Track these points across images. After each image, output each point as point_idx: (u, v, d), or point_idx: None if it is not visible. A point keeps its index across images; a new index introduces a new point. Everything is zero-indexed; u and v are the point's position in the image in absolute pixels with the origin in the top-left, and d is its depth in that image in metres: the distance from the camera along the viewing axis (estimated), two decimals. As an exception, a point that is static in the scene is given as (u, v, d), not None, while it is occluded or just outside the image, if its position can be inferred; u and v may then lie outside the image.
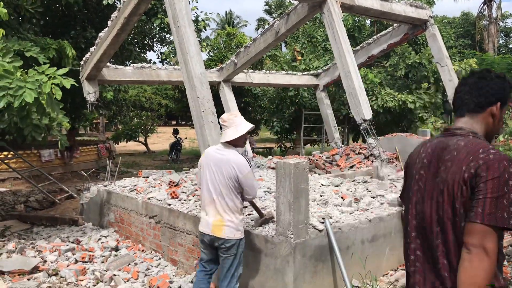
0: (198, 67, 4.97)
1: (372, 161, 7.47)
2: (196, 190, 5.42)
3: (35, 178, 10.68)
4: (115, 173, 8.15)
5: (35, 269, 5.01)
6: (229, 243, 3.57)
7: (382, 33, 9.65)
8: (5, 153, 11.59)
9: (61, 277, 4.92)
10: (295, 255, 3.78)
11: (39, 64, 6.51)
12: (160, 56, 13.91)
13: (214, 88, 9.36)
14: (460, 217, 1.69)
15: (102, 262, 5.40)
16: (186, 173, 7.06)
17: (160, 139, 29.21)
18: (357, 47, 10.16)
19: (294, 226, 3.77)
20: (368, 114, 6.56)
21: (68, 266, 5.19)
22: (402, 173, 6.78)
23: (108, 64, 8.13)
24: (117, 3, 11.77)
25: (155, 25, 12.04)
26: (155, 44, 14.49)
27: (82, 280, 4.85)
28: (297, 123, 16.61)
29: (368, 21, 17.40)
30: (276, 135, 18.22)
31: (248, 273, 4.17)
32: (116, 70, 8.34)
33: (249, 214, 4.59)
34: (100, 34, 7.24)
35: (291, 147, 18.95)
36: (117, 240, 6.13)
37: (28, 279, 4.77)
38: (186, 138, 21.67)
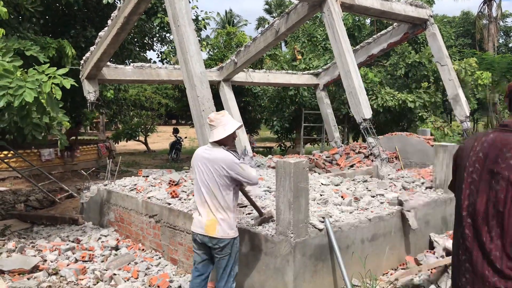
0: (198, 66, 4.97)
1: (372, 160, 7.47)
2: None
3: (35, 177, 10.68)
4: (115, 172, 8.15)
5: (35, 268, 5.01)
6: (222, 242, 3.55)
7: (382, 32, 9.65)
8: (5, 152, 11.59)
9: (61, 276, 4.92)
10: (295, 254, 3.78)
11: (39, 63, 6.51)
12: (160, 56, 13.90)
13: (214, 88, 9.36)
14: None
15: (102, 261, 5.40)
16: (186, 172, 7.06)
17: (160, 138, 29.22)
18: (357, 46, 10.15)
19: (294, 225, 3.77)
20: (368, 113, 6.56)
21: (68, 265, 5.19)
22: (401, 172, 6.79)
23: (108, 63, 8.13)
24: (117, 2, 11.77)
25: (155, 24, 12.03)
26: (155, 43, 14.48)
27: (82, 279, 4.85)
28: (297, 123, 16.62)
29: (368, 20, 17.40)
30: (276, 134, 18.23)
31: (248, 272, 4.18)
32: (116, 69, 8.34)
33: (249, 213, 4.59)
34: (100, 33, 7.23)
35: (291, 147, 18.95)
36: (117, 239, 6.14)
37: (28, 278, 4.78)
38: (186, 138, 21.68)
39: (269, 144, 23.87)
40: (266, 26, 8.92)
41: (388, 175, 6.54)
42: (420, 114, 14.16)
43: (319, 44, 16.32)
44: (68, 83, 4.98)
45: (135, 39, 13.58)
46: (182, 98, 20.93)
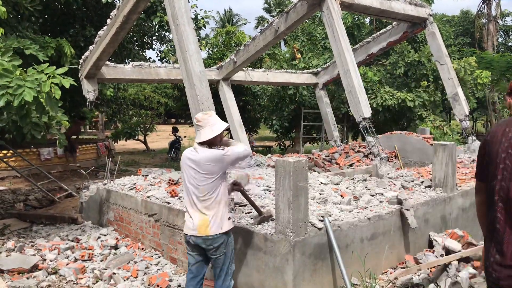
0: (197, 65, 4.96)
1: (371, 159, 7.47)
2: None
3: (35, 177, 10.67)
4: (115, 172, 8.14)
5: (35, 268, 5.01)
6: (216, 242, 3.55)
7: (382, 31, 9.65)
8: (5, 151, 11.57)
9: (60, 275, 4.92)
10: (295, 253, 3.78)
11: (38, 62, 6.50)
12: (159, 55, 13.90)
13: (214, 87, 9.36)
14: None
15: (102, 261, 5.40)
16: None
17: (160, 137, 29.20)
18: (357, 46, 10.15)
19: (294, 224, 3.77)
20: (367, 112, 6.56)
21: (67, 264, 5.19)
22: (400, 171, 6.79)
23: (107, 62, 8.12)
24: (116, 1, 11.76)
25: (154, 23, 12.04)
26: (154, 42, 14.49)
27: (82, 279, 4.85)
28: (297, 122, 16.62)
29: (367, 19, 17.40)
30: (276, 133, 18.23)
31: (247, 271, 4.18)
32: (115, 68, 8.33)
33: (248, 213, 4.59)
34: (99, 33, 7.23)
35: (291, 146, 18.97)
36: (117, 238, 6.14)
37: (27, 278, 4.78)
38: (185, 137, 21.65)
39: (269, 143, 23.87)
40: (266, 25, 8.92)
41: (388, 174, 6.55)
42: (419, 113, 14.17)
43: (318, 43, 16.31)
44: (67, 82, 4.98)
45: (135, 38, 13.58)
46: (181, 97, 20.90)
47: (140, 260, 5.30)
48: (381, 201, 5.07)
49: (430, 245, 5.17)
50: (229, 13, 49.63)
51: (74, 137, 14.10)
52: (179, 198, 5.38)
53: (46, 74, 4.95)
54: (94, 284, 4.76)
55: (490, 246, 2.08)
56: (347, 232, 4.28)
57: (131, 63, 8.61)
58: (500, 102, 24.03)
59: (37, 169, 10.72)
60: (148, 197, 5.73)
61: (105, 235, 6.27)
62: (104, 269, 5.10)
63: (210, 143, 3.59)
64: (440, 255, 4.74)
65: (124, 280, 4.78)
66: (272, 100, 16.77)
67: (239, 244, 4.24)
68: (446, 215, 5.52)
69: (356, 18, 16.08)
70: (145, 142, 23.33)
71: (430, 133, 11.13)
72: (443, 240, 4.99)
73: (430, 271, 4.53)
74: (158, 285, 4.50)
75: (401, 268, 4.75)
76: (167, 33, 13.66)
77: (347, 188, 5.69)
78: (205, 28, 12.92)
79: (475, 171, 2.33)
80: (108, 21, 6.93)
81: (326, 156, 8.76)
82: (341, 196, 5.21)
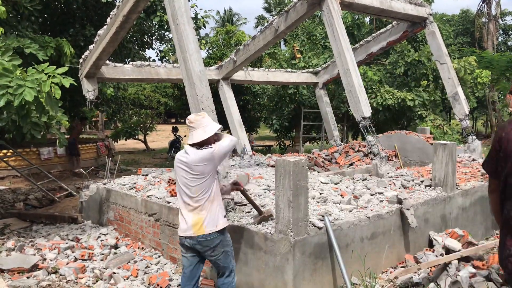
0: (197, 64, 4.96)
1: (371, 159, 7.47)
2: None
3: (35, 176, 10.66)
4: (115, 171, 8.14)
5: (35, 267, 5.01)
6: (212, 243, 3.56)
7: (381, 30, 9.63)
8: (4, 151, 11.57)
9: (60, 275, 4.92)
10: (295, 253, 3.78)
11: (38, 61, 6.50)
12: (159, 54, 13.89)
13: (214, 86, 9.35)
14: None
15: (102, 260, 5.40)
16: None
17: (160, 137, 29.18)
18: (356, 45, 10.14)
19: (294, 223, 3.77)
20: (367, 111, 6.56)
21: (67, 264, 5.19)
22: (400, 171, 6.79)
23: (107, 62, 8.11)
24: (116, 0, 11.75)
25: (154, 22, 12.02)
26: (154, 42, 14.47)
27: (82, 278, 4.86)
28: (296, 121, 16.61)
29: (367, 19, 17.39)
30: (276, 133, 18.22)
31: (247, 270, 4.18)
32: (115, 68, 8.32)
33: (248, 212, 4.59)
34: (99, 32, 7.22)
35: (291, 145, 18.95)
36: (117, 238, 6.14)
37: (27, 277, 4.78)
38: (185, 136, 21.62)
39: (269, 142, 23.87)
40: (265, 24, 8.90)
41: (388, 173, 6.55)
42: (419, 113, 14.16)
43: (318, 43, 16.30)
44: (67, 82, 4.97)
45: (134, 38, 13.57)
46: (181, 97, 20.90)
47: (140, 259, 5.30)
48: (381, 201, 5.07)
49: (430, 245, 5.17)
50: (229, 13, 49.61)
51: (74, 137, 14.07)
52: (179, 198, 5.37)
53: (46, 74, 4.95)
54: (94, 283, 4.76)
55: (505, 239, 2.11)
56: (347, 232, 4.28)
57: (131, 63, 8.59)
58: (500, 102, 24.01)
59: (37, 169, 10.72)
60: (148, 196, 5.73)
61: (105, 234, 6.27)
62: (104, 268, 5.10)
63: (201, 144, 3.59)
64: (440, 255, 4.74)
65: (124, 280, 4.78)
66: (272, 99, 16.77)
67: (239, 244, 4.24)
68: (446, 215, 5.52)
69: (356, 18, 16.08)
70: (145, 142, 23.33)
71: (430, 133, 11.12)
72: (443, 240, 4.99)
73: (430, 271, 4.54)
74: (158, 285, 4.50)
75: (401, 267, 4.75)
76: (167, 33, 13.65)
77: (347, 187, 5.69)
78: (204, 27, 12.93)
79: (488, 167, 2.35)
80: (108, 20, 6.93)
81: (326, 155, 8.76)
82: (341, 195, 5.21)
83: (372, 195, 5.29)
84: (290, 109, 16.51)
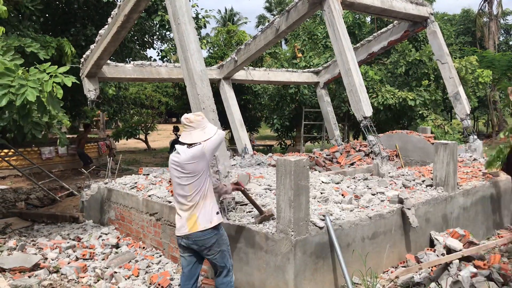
0: (198, 64, 4.96)
1: (373, 159, 7.47)
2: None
3: (36, 176, 10.68)
4: (116, 171, 8.15)
5: (36, 266, 5.02)
6: (208, 242, 3.57)
7: (383, 30, 9.63)
8: (6, 150, 11.59)
9: (62, 274, 4.93)
10: (296, 252, 3.78)
11: (39, 61, 6.50)
12: (160, 54, 13.89)
13: (215, 86, 9.35)
14: None
15: (103, 260, 5.41)
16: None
17: (161, 136, 29.22)
18: (358, 44, 10.13)
19: (295, 223, 3.77)
20: (368, 111, 6.55)
21: (69, 263, 5.20)
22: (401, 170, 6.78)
23: (109, 61, 8.11)
24: (117, 0, 11.76)
25: (155, 22, 12.03)
26: (155, 42, 14.48)
27: (83, 277, 4.86)
28: (297, 121, 16.61)
29: (368, 18, 17.37)
30: (277, 132, 18.23)
31: (248, 270, 4.18)
32: (116, 67, 8.33)
33: (249, 212, 4.59)
34: (100, 32, 7.22)
35: (292, 145, 18.95)
36: (118, 237, 6.15)
37: (29, 276, 4.79)
38: (186, 136, 21.62)
39: (269, 142, 23.87)
40: (267, 24, 8.90)
41: (389, 173, 6.55)
42: (420, 112, 14.15)
43: (319, 42, 16.29)
44: (69, 80, 4.98)
45: (136, 37, 13.58)
46: (182, 96, 20.91)
47: (141, 259, 5.31)
48: (382, 200, 5.07)
49: (431, 244, 5.17)
50: (231, 12, 49.59)
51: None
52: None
53: (48, 74, 4.95)
54: (96, 283, 4.77)
55: None
56: (348, 231, 4.28)
57: (132, 62, 8.59)
58: (501, 101, 23.98)
59: (39, 168, 10.74)
60: (149, 196, 5.74)
61: (106, 234, 6.28)
62: (106, 268, 5.11)
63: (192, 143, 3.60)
64: (441, 254, 4.74)
65: (126, 279, 4.79)
66: (273, 99, 16.76)
67: (240, 243, 4.24)
68: (447, 214, 5.52)
69: (357, 17, 16.06)
70: (146, 141, 23.35)
71: (431, 132, 11.11)
72: (444, 239, 4.99)
73: (431, 270, 4.54)
74: (159, 284, 4.51)
75: (402, 267, 4.75)
76: (168, 32, 13.66)
77: (348, 187, 5.69)
78: (205, 27, 12.92)
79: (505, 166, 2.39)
80: (109, 20, 6.93)
81: (327, 155, 8.75)
82: (342, 195, 5.21)
83: (373, 194, 5.29)
84: (291, 108, 16.51)
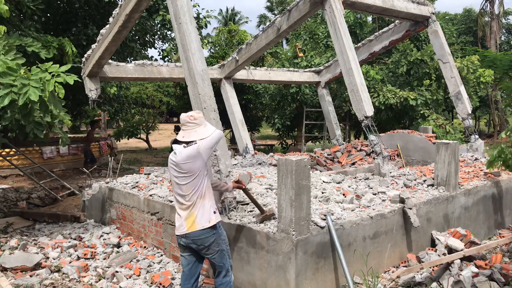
0: (199, 64, 4.96)
1: (374, 158, 7.47)
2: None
3: (37, 175, 10.70)
4: (117, 170, 8.16)
5: (38, 266, 5.03)
6: (207, 241, 3.58)
7: (384, 29, 9.61)
8: (7, 150, 11.61)
9: (63, 273, 4.94)
10: (297, 252, 3.78)
11: (40, 60, 6.51)
12: (161, 53, 13.90)
13: (216, 85, 9.35)
14: None
15: (104, 259, 5.42)
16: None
17: (162, 136, 29.25)
18: (359, 44, 10.12)
19: (296, 222, 3.77)
20: (369, 111, 6.55)
21: (70, 262, 5.20)
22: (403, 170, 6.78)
23: (110, 61, 8.11)
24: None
25: (156, 21, 12.03)
26: (156, 41, 14.48)
27: (84, 277, 4.87)
28: (299, 120, 16.60)
29: (369, 18, 17.35)
30: (278, 132, 18.23)
31: (250, 269, 4.18)
32: (117, 67, 8.33)
33: (250, 211, 4.59)
34: (101, 31, 7.22)
35: (293, 144, 18.95)
36: (119, 237, 6.16)
37: (30, 276, 4.79)
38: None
39: (271, 142, 23.87)
40: (268, 23, 8.89)
41: (390, 172, 6.54)
42: (421, 112, 14.13)
43: (320, 42, 16.28)
44: (71, 79, 4.98)
45: (137, 37, 13.58)
46: (183, 96, 20.93)
47: (142, 258, 5.32)
48: (383, 200, 5.06)
49: (433, 244, 5.17)
50: (232, 12, 49.56)
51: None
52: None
53: (50, 73, 4.96)
54: (97, 282, 4.78)
55: None
56: (350, 231, 4.28)
57: (133, 62, 8.59)
58: (502, 101, 23.94)
59: (40, 168, 10.75)
60: (151, 195, 5.74)
61: (107, 233, 6.29)
62: (107, 267, 5.11)
63: (189, 141, 3.59)
64: (443, 254, 4.74)
65: (127, 278, 4.79)
66: (274, 98, 16.76)
67: (242, 243, 4.24)
68: (448, 214, 5.51)
69: (359, 17, 16.04)
70: (147, 141, 23.37)
71: (433, 132, 11.09)
72: (446, 239, 4.99)
73: (433, 270, 4.53)
74: (160, 283, 4.51)
75: (403, 266, 4.75)
76: (169, 32, 13.67)
77: (349, 186, 5.69)
78: (206, 27, 12.92)
79: None
80: (111, 19, 6.93)
81: (328, 154, 8.75)
82: (344, 194, 5.21)
83: (375, 194, 5.29)
84: (292, 108, 16.50)
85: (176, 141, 3.69)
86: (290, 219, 3.78)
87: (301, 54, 15.72)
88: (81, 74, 8.00)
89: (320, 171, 7.41)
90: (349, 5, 7.34)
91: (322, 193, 5.20)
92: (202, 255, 3.71)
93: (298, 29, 16.66)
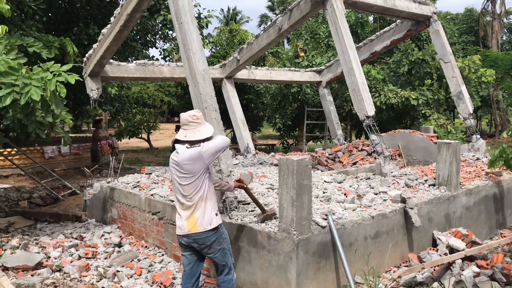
0: (201, 63, 4.96)
1: (375, 158, 7.46)
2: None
3: (39, 175, 10.71)
4: (118, 170, 8.16)
5: (39, 265, 5.03)
6: (208, 241, 3.58)
7: (385, 29, 9.61)
8: (9, 149, 11.63)
9: (64, 273, 4.94)
10: (298, 252, 3.78)
11: (42, 60, 6.51)
12: (162, 53, 13.92)
13: (217, 85, 9.35)
14: None
15: (106, 258, 5.42)
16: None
17: (163, 135, 29.28)
18: (360, 44, 10.12)
19: (297, 222, 3.77)
20: (371, 110, 6.55)
21: (71, 262, 5.21)
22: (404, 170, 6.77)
23: (111, 60, 8.12)
24: (119, -1, 11.78)
25: (157, 21, 12.04)
26: (157, 41, 14.50)
27: (86, 276, 4.87)
28: (300, 120, 16.60)
29: (371, 18, 17.34)
30: (279, 131, 18.22)
31: (251, 269, 4.18)
32: (119, 66, 8.34)
33: (252, 211, 4.59)
34: (103, 31, 7.23)
35: (294, 144, 18.95)
36: (120, 236, 6.16)
37: (32, 275, 4.80)
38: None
39: (272, 141, 23.88)
40: (269, 23, 8.89)
41: (391, 172, 6.53)
42: (423, 112, 14.11)
43: (322, 41, 16.27)
44: (72, 78, 4.98)
45: (138, 36, 13.60)
46: (184, 96, 20.96)
47: (143, 258, 5.32)
48: (384, 200, 5.06)
49: (434, 244, 5.16)
50: (234, 12, 49.55)
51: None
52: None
53: (51, 72, 4.96)
54: (98, 281, 4.78)
55: None
56: (351, 231, 4.28)
57: (134, 62, 8.60)
58: (504, 101, 23.89)
59: (41, 167, 10.77)
60: (152, 195, 5.75)
61: (108, 233, 6.29)
62: (108, 266, 5.12)
63: (193, 142, 3.59)
64: (444, 254, 4.73)
65: (128, 278, 4.80)
66: (275, 98, 16.76)
67: (243, 242, 4.24)
68: (450, 214, 5.51)
69: (360, 16, 16.03)
70: (148, 140, 23.39)
71: (434, 132, 11.08)
72: (447, 239, 4.98)
73: (434, 270, 4.53)
74: (161, 283, 4.52)
75: (404, 266, 4.74)
76: (170, 32, 13.68)
77: (350, 186, 5.69)
78: (207, 27, 12.94)
79: None
80: (112, 19, 6.94)
81: (329, 154, 8.75)
82: (345, 194, 5.20)
83: (376, 194, 5.29)
84: (293, 108, 16.50)
85: (177, 141, 3.69)
86: (291, 218, 3.78)
87: (302, 54, 15.71)
88: (83, 74, 8.01)
89: (322, 171, 7.40)
90: (350, 4, 7.34)
91: (323, 192, 5.20)
92: (204, 254, 3.71)
93: (299, 28, 16.65)
